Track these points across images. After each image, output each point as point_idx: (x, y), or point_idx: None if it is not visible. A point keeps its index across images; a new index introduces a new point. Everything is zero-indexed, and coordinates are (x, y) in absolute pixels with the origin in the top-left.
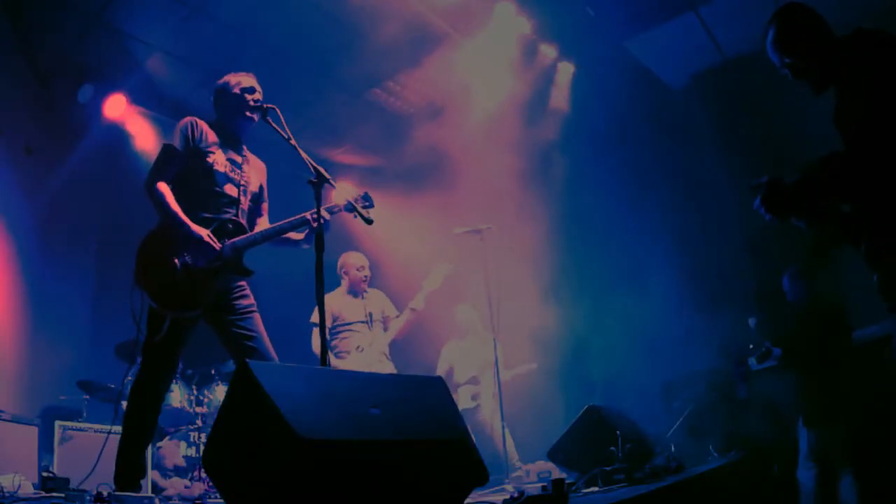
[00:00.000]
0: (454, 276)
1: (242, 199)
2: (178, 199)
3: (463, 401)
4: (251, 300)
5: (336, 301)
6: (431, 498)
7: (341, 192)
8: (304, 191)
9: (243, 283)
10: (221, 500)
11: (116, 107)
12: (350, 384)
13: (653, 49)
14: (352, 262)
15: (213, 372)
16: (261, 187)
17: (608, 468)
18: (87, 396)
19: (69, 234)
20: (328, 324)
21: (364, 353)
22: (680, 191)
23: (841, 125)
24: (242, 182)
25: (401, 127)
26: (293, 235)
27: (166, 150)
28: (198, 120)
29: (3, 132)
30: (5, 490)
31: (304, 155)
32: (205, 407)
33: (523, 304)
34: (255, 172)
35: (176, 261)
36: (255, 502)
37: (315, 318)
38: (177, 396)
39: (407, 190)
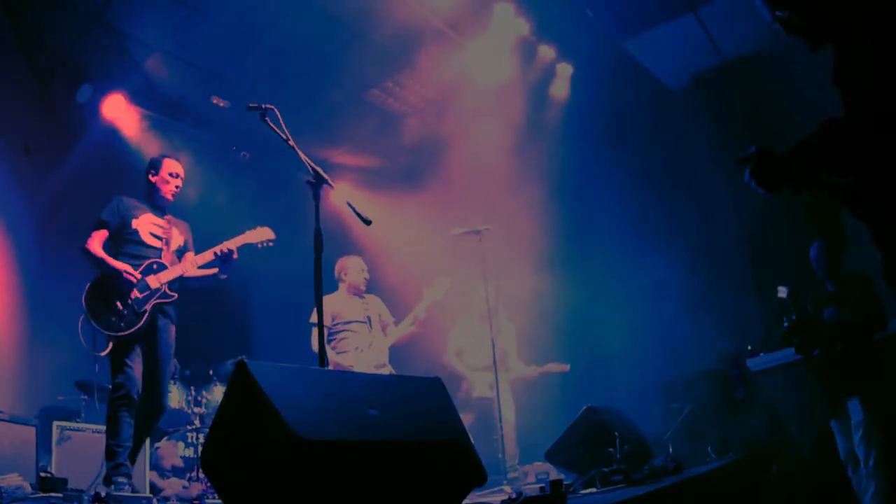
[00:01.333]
0: (454, 278)
1: (165, 249)
2: (111, 255)
3: (479, 388)
4: (173, 328)
5: (336, 301)
6: (430, 498)
7: (340, 193)
8: (304, 191)
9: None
10: (219, 501)
11: (115, 107)
12: (349, 385)
13: (652, 50)
14: (351, 265)
15: (210, 372)
16: (186, 242)
17: (606, 469)
18: (85, 397)
19: (68, 234)
20: (328, 323)
21: (364, 353)
22: (679, 191)
23: (841, 86)
24: (164, 237)
25: (399, 127)
26: (209, 271)
27: (97, 223)
28: (124, 197)
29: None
30: (4, 490)
31: (302, 155)
32: (203, 407)
33: (522, 305)
34: (177, 231)
35: (113, 297)
36: (254, 502)
37: (315, 318)
38: (175, 397)
39: (405, 190)
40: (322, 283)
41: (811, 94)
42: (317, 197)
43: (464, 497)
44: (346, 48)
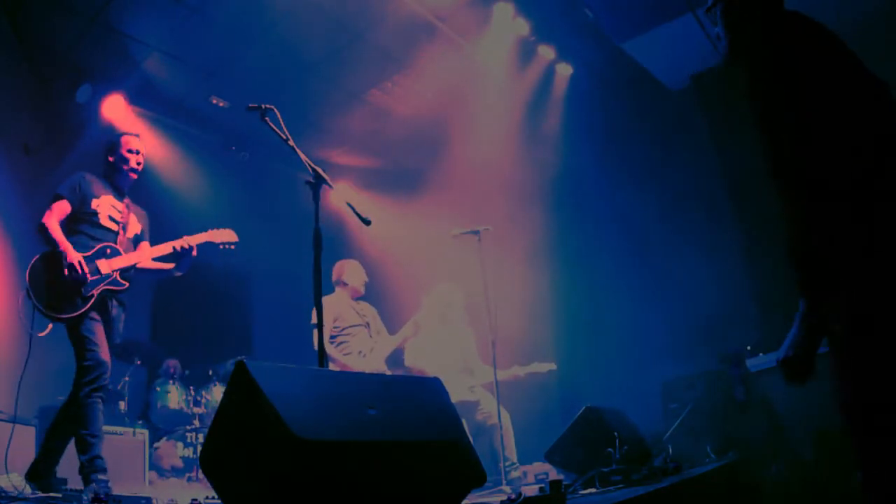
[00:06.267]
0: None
1: (121, 234)
2: (66, 235)
3: (459, 392)
4: (120, 326)
5: (335, 304)
6: (429, 499)
7: (339, 193)
8: (303, 191)
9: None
10: (219, 501)
11: (115, 107)
12: (348, 385)
13: (651, 50)
14: (351, 270)
15: (210, 372)
16: (142, 230)
17: (606, 469)
18: None
19: None
20: (328, 326)
21: (367, 357)
22: (678, 192)
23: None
24: (122, 221)
25: (399, 128)
26: (164, 265)
27: (54, 196)
28: (86, 175)
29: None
30: (5, 490)
31: (302, 155)
32: (202, 407)
33: (522, 305)
34: (135, 218)
35: (60, 276)
36: (253, 503)
37: (315, 319)
38: (174, 397)
39: (404, 191)
40: (321, 283)
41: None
42: (316, 197)
43: (463, 497)
44: (345, 48)
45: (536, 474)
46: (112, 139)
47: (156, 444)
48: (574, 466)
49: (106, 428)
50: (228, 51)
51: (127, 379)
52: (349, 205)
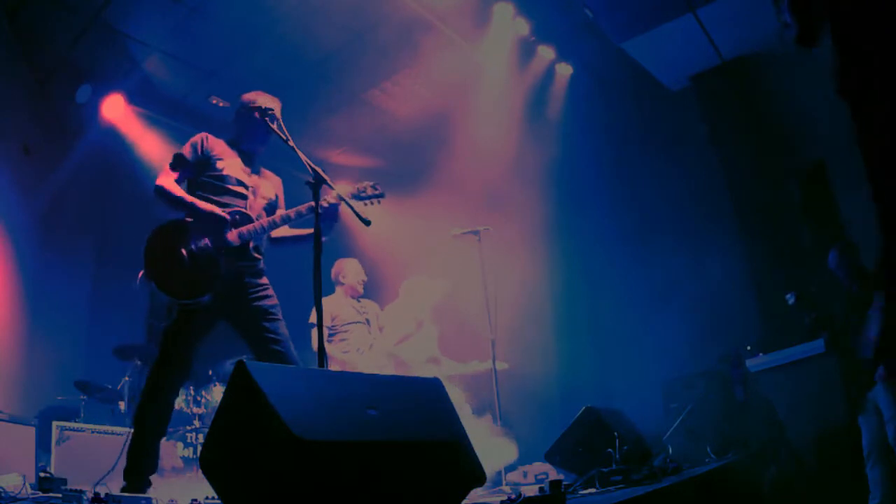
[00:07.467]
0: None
1: (251, 198)
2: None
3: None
4: (275, 300)
5: (334, 303)
6: (429, 499)
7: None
8: (303, 191)
9: (265, 281)
10: (219, 501)
11: (115, 107)
12: (348, 385)
13: (651, 50)
14: (349, 268)
15: (210, 372)
16: (276, 196)
17: (606, 469)
18: (85, 397)
19: (67, 235)
20: (327, 324)
21: (365, 354)
22: (678, 192)
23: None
24: (252, 185)
25: (399, 128)
26: (305, 231)
27: (176, 157)
28: (209, 135)
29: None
30: (5, 490)
31: (302, 156)
32: (202, 407)
33: (521, 305)
34: (268, 182)
35: (183, 251)
36: (253, 503)
37: (314, 318)
38: None
39: (404, 191)
40: (321, 283)
41: (810, 94)
42: (316, 197)
43: (463, 497)
44: (345, 48)
45: (536, 474)
46: (243, 101)
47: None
48: (574, 466)
49: (106, 428)
50: (228, 51)
51: (127, 379)
52: (349, 205)
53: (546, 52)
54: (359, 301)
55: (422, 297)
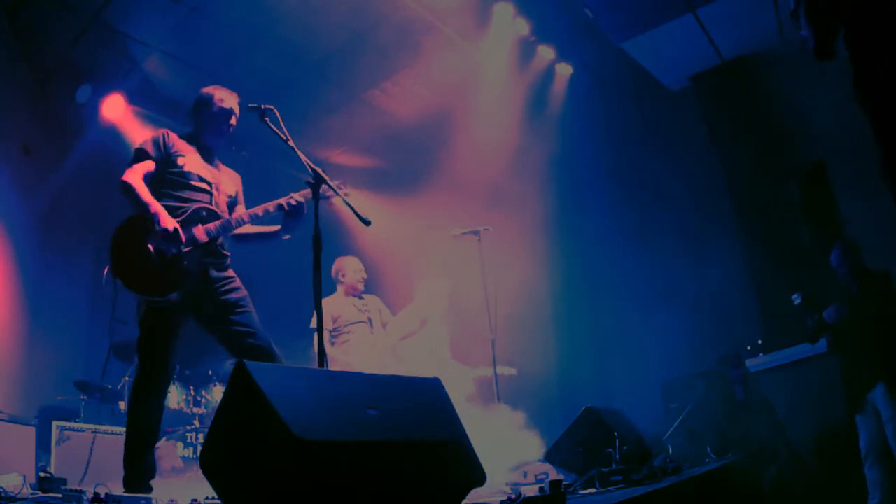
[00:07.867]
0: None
1: (215, 193)
2: (153, 195)
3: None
4: (243, 292)
5: (335, 304)
6: (429, 499)
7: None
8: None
9: (231, 274)
10: (219, 501)
11: (115, 107)
12: (347, 385)
13: (651, 50)
14: (348, 266)
15: (210, 372)
16: (236, 192)
17: (606, 469)
18: (84, 397)
19: (67, 235)
20: (329, 326)
21: (367, 354)
22: (678, 192)
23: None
24: (214, 181)
25: (398, 128)
26: (268, 228)
27: (138, 152)
28: (170, 132)
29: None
30: (5, 490)
31: (301, 156)
32: (202, 407)
33: (521, 305)
34: (228, 178)
35: (150, 246)
36: (253, 503)
37: (314, 323)
38: (174, 397)
39: (404, 191)
40: (321, 283)
41: (810, 94)
42: (316, 197)
43: (464, 497)
44: (345, 48)
45: (536, 474)
46: (202, 95)
47: (156, 445)
48: (574, 466)
49: (106, 428)
50: (228, 51)
51: (127, 379)
52: (349, 204)
53: (546, 52)
54: (360, 298)
55: (433, 298)
